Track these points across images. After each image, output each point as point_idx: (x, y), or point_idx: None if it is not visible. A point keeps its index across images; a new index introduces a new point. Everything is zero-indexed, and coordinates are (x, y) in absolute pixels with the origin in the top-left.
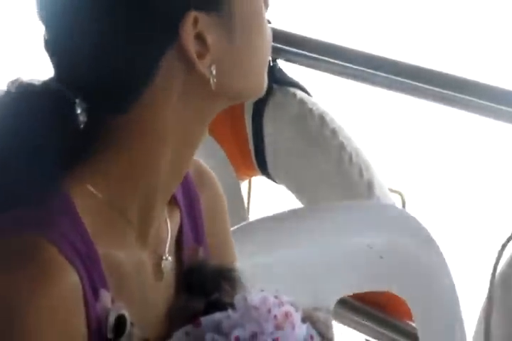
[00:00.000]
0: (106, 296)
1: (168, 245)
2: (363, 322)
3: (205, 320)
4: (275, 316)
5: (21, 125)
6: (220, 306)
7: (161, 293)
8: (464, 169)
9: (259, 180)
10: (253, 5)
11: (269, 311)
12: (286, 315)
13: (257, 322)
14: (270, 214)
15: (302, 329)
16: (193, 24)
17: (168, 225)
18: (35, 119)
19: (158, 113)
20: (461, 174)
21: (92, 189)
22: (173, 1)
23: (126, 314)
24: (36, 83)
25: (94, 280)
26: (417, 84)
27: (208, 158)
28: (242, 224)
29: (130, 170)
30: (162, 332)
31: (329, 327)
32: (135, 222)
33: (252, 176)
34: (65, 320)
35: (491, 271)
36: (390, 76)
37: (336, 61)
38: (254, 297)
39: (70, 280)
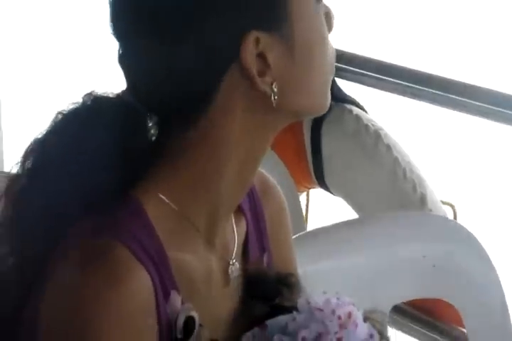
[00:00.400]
0: (176, 297)
1: (235, 252)
2: (416, 327)
3: (270, 322)
4: (339, 316)
5: (96, 136)
6: (282, 310)
7: (227, 297)
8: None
9: (317, 192)
10: (314, 25)
11: (333, 312)
12: (349, 314)
13: (322, 323)
14: (327, 224)
15: (364, 328)
16: (255, 43)
17: (235, 233)
18: (108, 131)
19: (223, 128)
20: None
21: (163, 197)
22: (235, 22)
23: (196, 315)
24: (110, 95)
25: (164, 282)
26: (461, 99)
27: (269, 170)
28: (300, 233)
29: (197, 181)
30: (229, 334)
31: (386, 327)
32: (202, 230)
33: (310, 188)
34: (136, 317)
35: None
36: (437, 92)
37: (390, 79)
38: (317, 299)
39: (142, 280)
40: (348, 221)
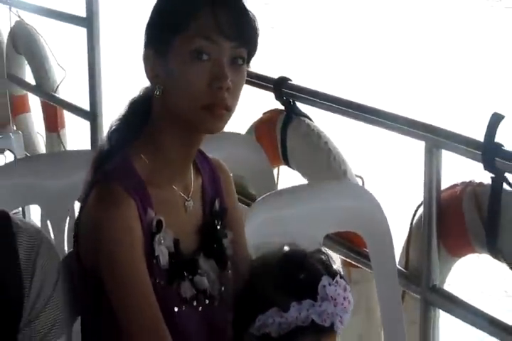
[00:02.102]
0: (151, 212)
1: (191, 194)
2: (339, 248)
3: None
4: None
5: (129, 120)
6: None
7: (187, 220)
8: (394, 165)
9: (284, 168)
10: (183, 66)
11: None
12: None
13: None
14: (289, 186)
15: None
16: (152, 57)
17: (192, 183)
18: (139, 115)
19: (156, 121)
20: (395, 167)
21: (143, 157)
22: (145, 39)
23: (163, 219)
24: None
25: (145, 206)
26: (368, 116)
27: (253, 154)
28: (272, 191)
29: (156, 151)
30: (186, 237)
31: (334, 261)
32: (166, 179)
33: (279, 166)
34: (129, 225)
35: (410, 221)
36: (352, 111)
37: (328, 103)
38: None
39: (130, 205)
40: (301, 185)
